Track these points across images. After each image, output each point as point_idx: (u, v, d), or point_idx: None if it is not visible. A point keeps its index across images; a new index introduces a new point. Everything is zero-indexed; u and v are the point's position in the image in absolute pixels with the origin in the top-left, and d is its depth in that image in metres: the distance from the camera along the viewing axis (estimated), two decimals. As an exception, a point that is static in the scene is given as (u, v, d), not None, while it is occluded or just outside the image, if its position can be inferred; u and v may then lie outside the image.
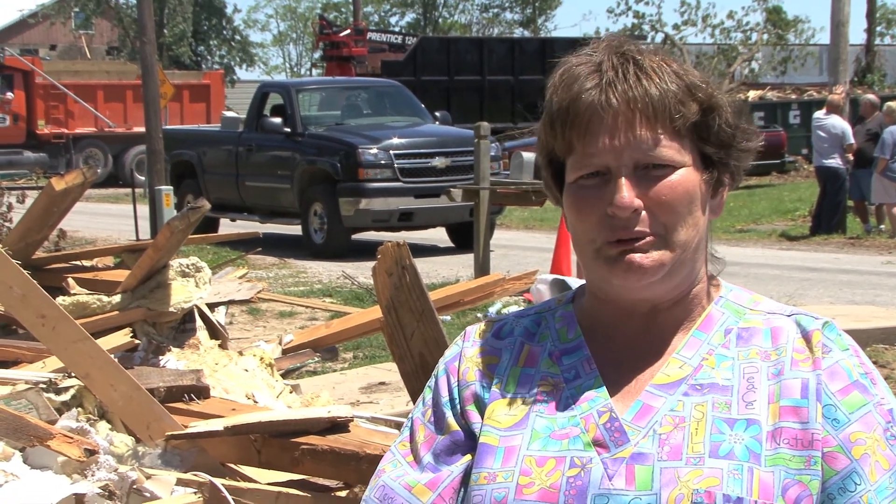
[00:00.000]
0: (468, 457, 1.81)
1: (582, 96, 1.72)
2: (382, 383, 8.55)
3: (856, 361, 1.75)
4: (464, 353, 1.89)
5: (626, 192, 1.70)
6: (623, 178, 1.70)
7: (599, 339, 1.82)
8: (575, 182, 1.76)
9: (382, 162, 17.78)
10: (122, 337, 6.12)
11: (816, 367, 1.73)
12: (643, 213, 1.71)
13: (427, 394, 1.91)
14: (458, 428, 1.83)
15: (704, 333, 1.79)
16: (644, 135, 1.70)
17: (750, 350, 1.76)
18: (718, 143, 1.76)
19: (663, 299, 1.78)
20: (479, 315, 11.59)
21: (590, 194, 1.73)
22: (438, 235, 19.33)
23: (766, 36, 44.01)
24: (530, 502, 1.70)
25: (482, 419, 1.82)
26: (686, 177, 1.73)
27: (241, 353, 6.61)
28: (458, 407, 1.85)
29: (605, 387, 1.77)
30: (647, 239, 1.71)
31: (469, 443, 1.82)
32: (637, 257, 1.71)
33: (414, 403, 4.44)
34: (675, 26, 44.06)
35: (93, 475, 3.86)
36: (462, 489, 1.81)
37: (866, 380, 1.74)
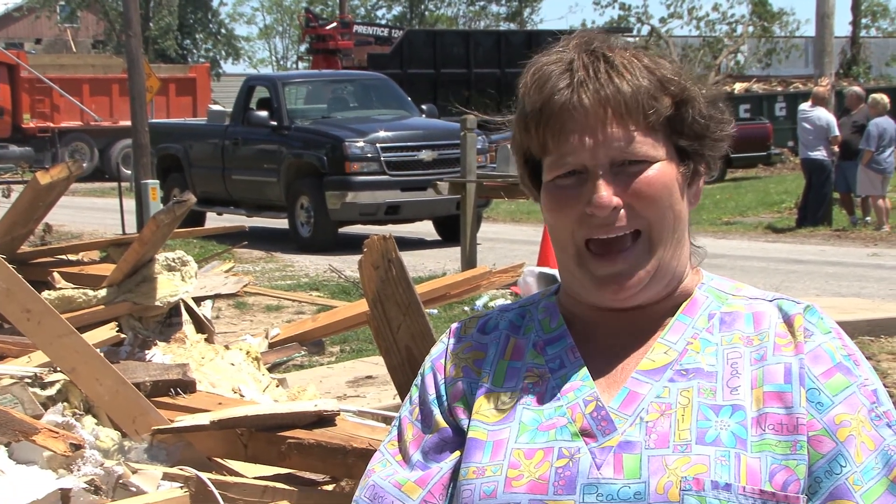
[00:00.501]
0: (457, 453, 1.81)
1: (554, 97, 1.72)
2: (369, 377, 8.55)
3: (838, 344, 1.75)
4: (449, 350, 1.89)
5: (605, 192, 1.70)
6: (600, 177, 1.71)
7: (583, 327, 1.83)
8: (552, 181, 1.76)
9: (369, 155, 17.77)
10: (107, 331, 6.11)
11: (799, 351, 1.73)
12: (622, 210, 1.71)
13: (414, 392, 1.90)
14: (446, 425, 1.83)
15: (689, 317, 1.79)
16: (618, 132, 1.71)
17: (733, 335, 1.77)
18: (692, 134, 1.76)
19: (652, 301, 1.79)
20: (465, 308, 11.60)
21: (567, 193, 1.74)
22: (425, 228, 19.33)
23: (751, 28, 44.07)
24: (519, 494, 1.70)
25: (470, 415, 1.81)
26: (663, 170, 1.73)
27: (227, 347, 6.60)
28: (446, 404, 1.85)
29: (589, 375, 1.77)
30: (628, 247, 1.72)
31: (457, 439, 1.82)
32: (624, 280, 1.73)
33: (401, 397, 4.44)
34: (662, 19, 44.15)
35: (78, 470, 3.85)
36: (452, 485, 1.81)
37: (849, 361, 1.74)
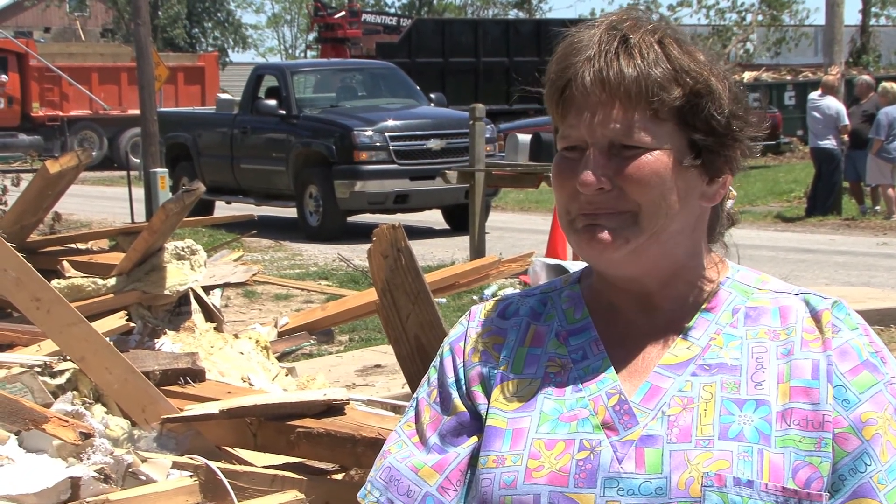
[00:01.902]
0: (474, 438, 1.80)
1: (566, 71, 1.72)
2: (378, 366, 8.55)
3: (865, 340, 1.74)
4: (469, 334, 1.87)
5: (591, 171, 1.69)
6: (591, 156, 1.70)
7: (605, 320, 1.81)
8: (560, 152, 1.76)
9: (377, 144, 17.77)
10: (117, 320, 6.11)
11: (827, 347, 1.71)
12: (611, 192, 1.70)
13: (432, 374, 1.88)
14: (464, 409, 1.82)
15: (712, 313, 1.77)
16: (617, 115, 1.69)
17: (758, 329, 1.75)
18: (707, 130, 1.73)
19: (642, 277, 1.76)
20: (474, 297, 11.59)
21: (567, 167, 1.73)
22: (434, 217, 19.33)
23: (760, 17, 43.97)
24: (540, 486, 1.69)
25: (488, 400, 1.80)
26: (658, 158, 1.70)
27: (236, 336, 6.61)
28: (464, 388, 1.83)
29: (613, 368, 1.75)
30: (613, 214, 1.70)
31: (475, 424, 1.80)
32: (598, 231, 1.70)
33: (410, 386, 4.45)
34: (671, 7, 44.01)
35: (88, 459, 3.86)
36: (469, 471, 1.79)
37: (876, 359, 1.72)
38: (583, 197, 1.71)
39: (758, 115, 1.80)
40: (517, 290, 11.74)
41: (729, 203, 1.91)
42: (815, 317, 1.75)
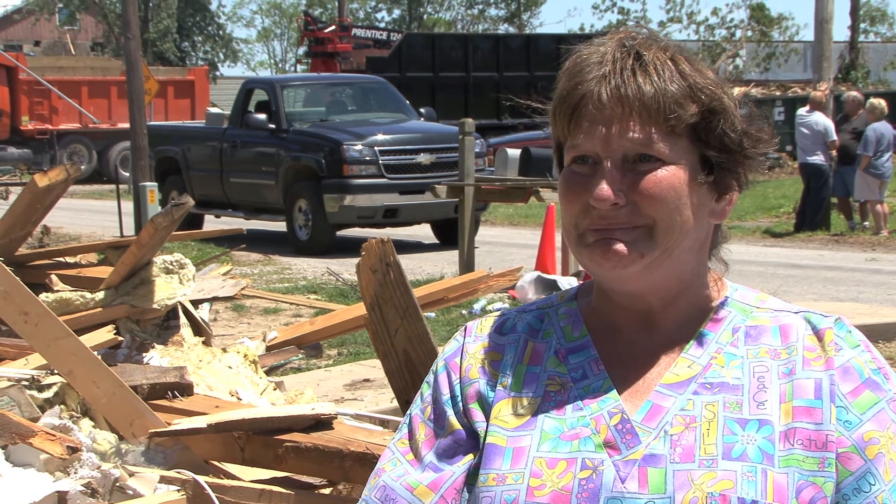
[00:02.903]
0: (470, 456, 1.78)
1: (579, 87, 1.71)
2: (367, 380, 8.55)
3: (867, 357, 1.73)
4: (465, 350, 1.85)
5: (607, 185, 1.68)
6: (607, 170, 1.69)
7: (605, 338, 1.80)
8: (569, 167, 1.74)
9: (367, 158, 17.79)
10: (105, 334, 6.10)
11: (829, 366, 1.71)
12: (625, 208, 1.69)
13: (426, 390, 1.87)
14: (460, 427, 1.80)
15: (712, 332, 1.77)
16: (634, 132, 1.68)
17: (759, 349, 1.75)
18: (721, 146, 1.73)
19: (648, 294, 1.76)
20: (463, 312, 11.59)
21: (577, 182, 1.72)
22: (423, 232, 19.33)
23: (749, 33, 44.13)
24: None
25: (487, 418, 1.78)
26: (673, 173, 1.70)
27: (224, 350, 6.59)
28: (461, 405, 1.81)
29: (614, 387, 1.75)
30: (628, 229, 1.69)
31: (471, 442, 1.79)
32: (612, 244, 1.69)
33: (398, 401, 4.43)
34: (661, 23, 44.17)
35: (75, 473, 3.85)
36: (465, 489, 1.78)
37: (879, 376, 1.72)
38: (595, 212, 1.70)
39: (767, 132, 1.80)
40: (507, 305, 11.72)
41: None
42: (818, 335, 1.74)
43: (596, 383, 1.76)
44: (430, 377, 1.88)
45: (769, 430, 1.67)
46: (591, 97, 1.70)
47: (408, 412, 1.89)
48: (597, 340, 1.80)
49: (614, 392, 1.74)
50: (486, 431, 1.77)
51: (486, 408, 1.80)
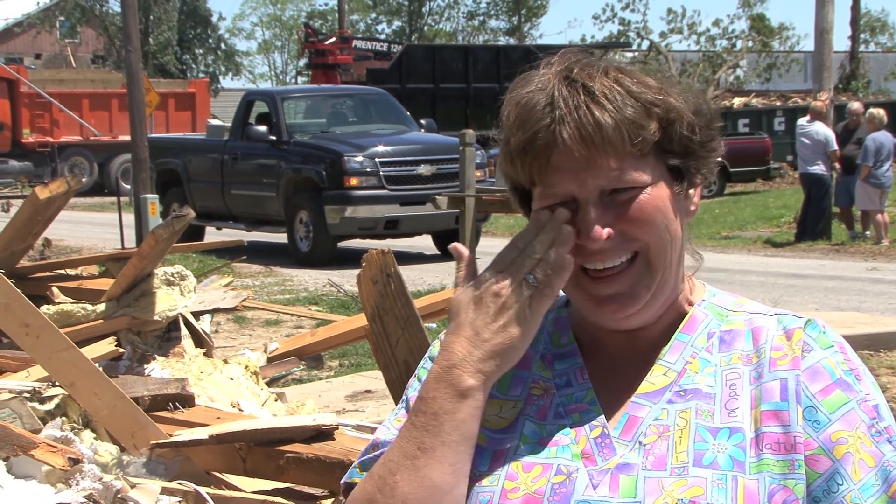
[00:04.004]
0: None
1: (538, 136, 1.70)
2: (368, 391, 8.55)
3: (840, 358, 1.73)
4: None
5: (596, 224, 1.69)
6: (591, 208, 1.69)
7: (590, 347, 1.82)
8: (544, 209, 1.74)
9: (368, 170, 17.79)
10: (106, 345, 6.11)
11: (795, 366, 1.71)
12: (617, 236, 1.70)
13: (423, 373, 1.87)
14: None
15: (688, 335, 1.78)
16: (604, 164, 1.68)
17: (732, 355, 1.75)
18: (682, 151, 1.74)
19: (648, 323, 1.78)
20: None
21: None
22: (424, 243, 19.33)
23: (750, 43, 44.15)
24: None
25: None
26: (655, 194, 1.71)
27: (226, 362, 6.60)
28: None
29: (597, 399, 1.76)
30: (624, 272, 1.71)
31: None
32: (620, 299, 1.71)
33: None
34: (661, 33, 44.21)
35: (77, 484, 3.85)
36: None
37: (850, 377, 1.71)
38: (587, 250, 1.70)
39: (714, 115, 1.79)
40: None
41: None
42: (787, 335, 1.74)
43: (580, 393, 1.77)
44: (425, 362, 1.89)
45: (740, 438, 1.68)
46: (555, 143, 1.69)
47: (404, 393, 1.90)
48: (583, 349, 1.82)
49: (597, 405, 1.75)
50: None
51: None
